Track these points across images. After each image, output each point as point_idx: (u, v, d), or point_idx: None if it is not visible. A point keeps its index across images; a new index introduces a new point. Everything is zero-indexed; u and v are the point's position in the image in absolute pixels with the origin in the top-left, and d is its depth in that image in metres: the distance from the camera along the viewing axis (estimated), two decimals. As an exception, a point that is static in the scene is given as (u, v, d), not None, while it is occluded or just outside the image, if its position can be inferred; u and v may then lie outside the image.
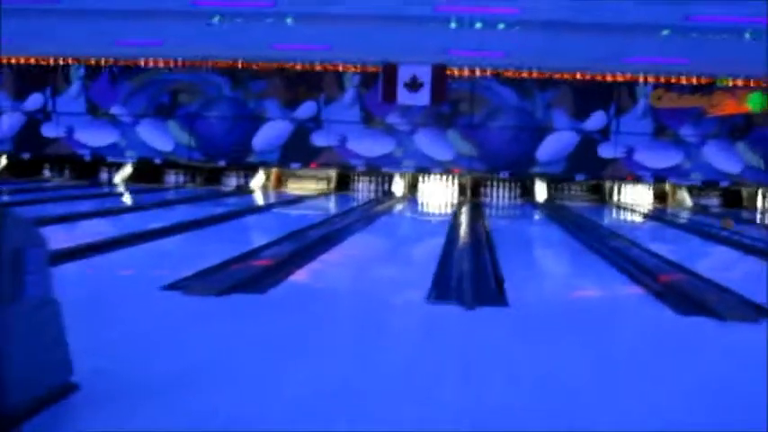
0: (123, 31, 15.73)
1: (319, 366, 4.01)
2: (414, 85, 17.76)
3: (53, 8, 14.04)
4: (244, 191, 18.24)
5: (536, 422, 3.33)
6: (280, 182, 19.42)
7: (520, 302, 5.92)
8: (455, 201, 17.66)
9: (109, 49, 17.77)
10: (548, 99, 18.32)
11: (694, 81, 17.85)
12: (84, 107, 19.09)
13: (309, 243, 8.82)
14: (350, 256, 8.90)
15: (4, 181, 17.93)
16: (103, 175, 19.53)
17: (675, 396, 3.77)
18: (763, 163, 18.03)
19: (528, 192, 18.84)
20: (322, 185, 19.11)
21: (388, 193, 18.21)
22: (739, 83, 17.77)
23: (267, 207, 15.29)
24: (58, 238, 7.60)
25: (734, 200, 18.57)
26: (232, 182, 19.37)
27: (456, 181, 19.04)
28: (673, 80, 17.96)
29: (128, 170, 19.29)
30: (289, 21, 13.98)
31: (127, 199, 15.96)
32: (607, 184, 18.95)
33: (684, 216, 15.38)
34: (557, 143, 18.36)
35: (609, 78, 18.14)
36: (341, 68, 18.47)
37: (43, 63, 19.08)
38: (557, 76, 18.14)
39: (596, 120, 18.26)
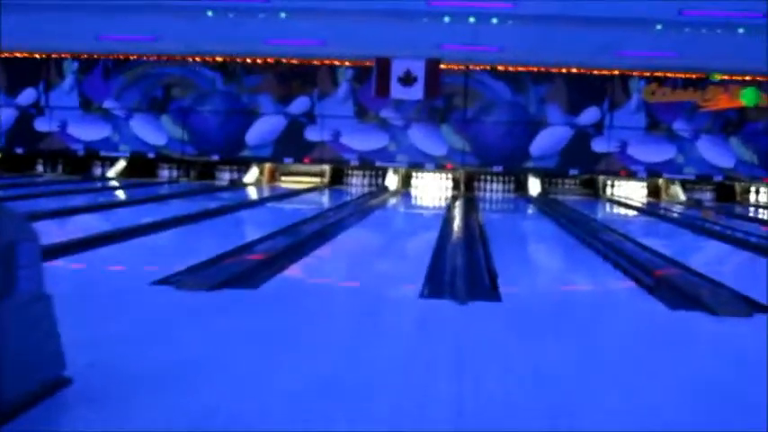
0: (115, 25, 15.68)
1: (312, 361, 4.01)
2: (407, 80, 17.75)
3: (50, 3, 14.01)
4: (237, 185, 18.22)
5: (529, 416, 3.33)
6: (273, 176, 19.41)
7: (513, 297, 5.93)
8: (449, 195, 17.67)
9: (100, 44, 17.72)
10: (541, 93, 18.34)
11: (687, 76, 17.88)
12: (78, 102, 19.05)
13: (303, 238, 8.81)
14: (343, 250, 8.90)
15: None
16: (97, 170, 19.51)
17: (667, 391, 3.78)
18: (757, 157, 18.07)
19: (521, 186, 18.86)
20: (315, 180, 19.10)
21: (382, 188, 18.20)
22: (732, 77, 17.81)
23: (260, 201, 15.27)
24: (50, 232, 7.60)
25: (727, 194, 18.62)
26: (225, 176, 19.36)
27: (450, 175, 19.06)
28: (668, 74, 17.98)
29: (121, 164, 19.26)
30: (282, 15, 13.95)
31: (120, 193, 15.94)
32: (600, 179, 18.98)
33: (678, 210, 15.40)
34: (550, 137, 18.38)
35: (603, 73, 18.16)
36: (335, 63, 18.47)
37: (36, 57, 19.03)
38: (551, 70, 18.15)
39: (590, 114, 18.28)
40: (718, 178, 18.37)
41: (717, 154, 18.17)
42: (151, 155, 19.10)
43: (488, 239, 9.17)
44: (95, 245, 7.63)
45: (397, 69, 17.77)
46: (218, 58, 18.63)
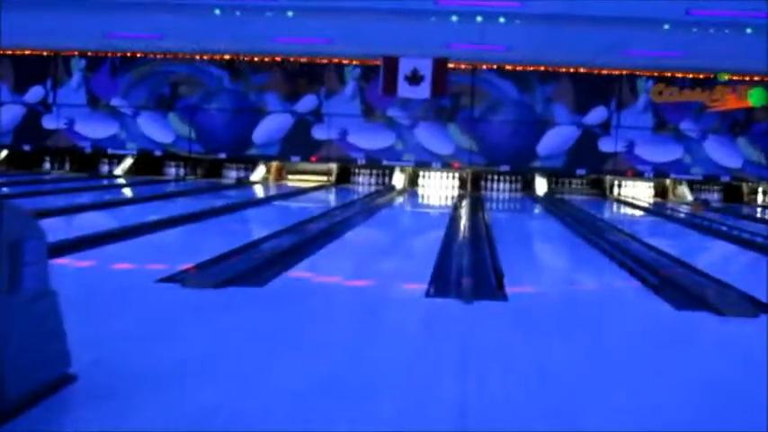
0: (123, 23, 15.70)
1: (317, 360, 4.01)
2: (414, 78, 17.73)
3: (57, 1, 14.03)
4: (244, 183, 18.24)
5: (534, 416, 3.33)
6: (280, 175, 19.42)
7: (519, 297, 5.92)
8: (455, 194, 17.66)
9: (108, 42, 17.74)
10: (548, 93, 18.31)
11: (695, 76, 17.84)
12: (85, 99, 19.08)
13: (309, 236, 8.82)
14: (349, 249, 8.90)
15: (5, 173, 17.93)
16: (104, 168, 19.54)
17: (673, 391, 3.77)
18: (764, 158, 18.02)
19: (528, 186, 18.84)
20: (322, 178, 19.10)
21: (389, 186, 18.20)
22: (740, 78, 17.76)
23: (267, 200, 15.28)
24: (57, 230, 7.61)
25: (734, 195, 18.57)
26: (232, 174, 19.37)
27: (456, 174, 19.05)
28: (676, 74, 17.95)
29: (128, 162, 19.28)
30: (290, 14, 13.95)
31: (127, 191, 15.96)
32: (607, 179, 18.95)
33: (684, 211, 15.37)
34: (557, 137, 18.35)
35: (610, 72, 18.13)
36: (342, 61, 18.46)
37: (44, 54, 19.06)
38: (558, 69, 18.13)
39: (597, 114, 18.25)
40: (726, 179, 18.33)
41: (724, 154, 18.13)
42: (158, 153, 19.13)
43: (495, 239, 9.16)
44: (102, 242, 7.64)
45: (405, 68, 17.75)
46: (226, 57, 18.65)
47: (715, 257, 9.89)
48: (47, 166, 19.71)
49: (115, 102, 19.02)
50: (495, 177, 19.04)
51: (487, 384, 3.70)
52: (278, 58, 18.58)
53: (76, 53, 18.96)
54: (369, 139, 18.58)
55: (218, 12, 14.05)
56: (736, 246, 10.15)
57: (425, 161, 18.67)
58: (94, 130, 19.09)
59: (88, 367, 3.54)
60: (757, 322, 5.36)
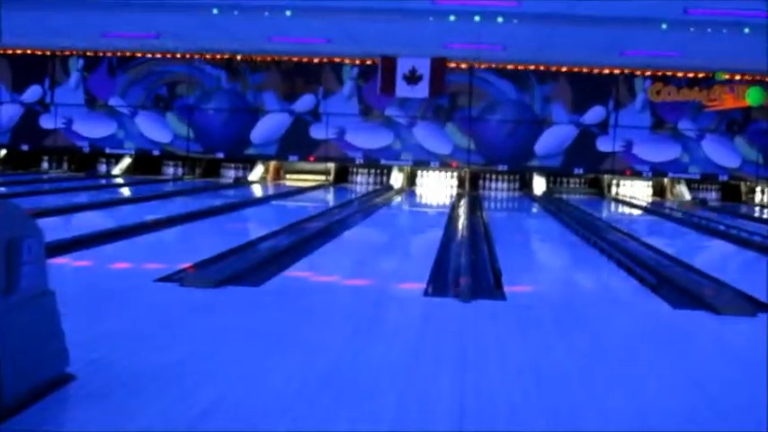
0: (120, 22, 15.68)
1: (315, 359, 4.01)
2: (413, 78, 17.74)
3: (55, 0, 14.01)
4: (242, 183, 18.24)
5: (533, 415, 3.33)
6: (278, 174, 19.42)
7: (517, 296, 5.93)
8: (453, 193, 17.66)
9: (105, 41, 17.71)
10: (546, 92, 18.32)
11: (692, 75, 17.85)
12: (83, 99, 19.07)
13: (307, 235, 8.82)
14: (348, 248, 8.90)
15: (3, 173, 17.92)
16: (102, 167, 19.54)
17: (671, 389, 3.77)
18: (762, 157, 18.04)
19: (526, 185, 18.86)
20: (320, 178, 19.10)
21: (387, 186, 18.20)
22: (738, 77, 17.78)
23: (265, 199, 15.29)
24: (55, 229, 7.61)
25: (732, 194, 18.59)
26: (230, 174, 19.38)
27: (454, 174, 19.05)
28: (673, 74, 17.95)
29: (126, 162, 19.28)
30: (288, 13, 13.94)
31: (125, 191, 15.95)
32: (605, 178, 18.96)
33: (682, 210, 15.37)
34: (555, 136, 18.35)
35: (608, 72, 18.14)
36: (340, 61, 18.45)
37: (41, 54, 19.04)
38: (555, 69, 18.13)
39: (595, 113, 18.26)
40: (724, 178, 18.34)
41: (722, 153, 18.14)
42: (156, 152, 19.12)
43: (493, 238, 9.17)
44: (100, 242, 7.64)
45: (403, 67, 17.77)
46: (224, 56, 18.64)
47: (713, 256, 9.90)
48: (45, 165, 19.70)
49: (113, 101, 19.00)
50: (494, 177, 19.05)
51: (486, 383, 3.70)
52: (276, 58, 18.58)
53: (74, 53, 18.94)
54: (367, 139, 18.57)
55: (215, 11, 14.02)
56: (733, 245, 10.16)
57: (424, 160, 18.66)
58: (92, 129, 19.07)
59: (86, 366, 3.54)
60: (755, 321, 5.36)
